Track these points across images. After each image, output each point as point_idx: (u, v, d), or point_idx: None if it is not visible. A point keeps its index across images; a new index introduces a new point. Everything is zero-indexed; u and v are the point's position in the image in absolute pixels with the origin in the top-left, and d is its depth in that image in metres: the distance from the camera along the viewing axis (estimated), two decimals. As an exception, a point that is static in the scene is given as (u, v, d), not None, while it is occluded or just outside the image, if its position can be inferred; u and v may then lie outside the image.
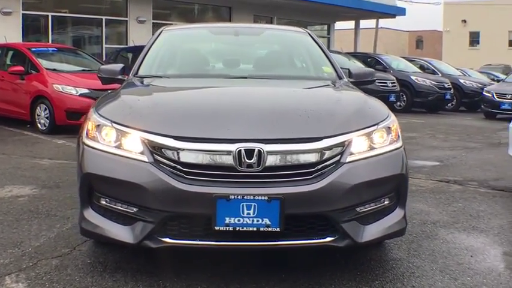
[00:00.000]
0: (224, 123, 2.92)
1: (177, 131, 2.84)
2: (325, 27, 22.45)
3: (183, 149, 2.78)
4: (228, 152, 2.76)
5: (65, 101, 9.07)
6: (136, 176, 2.80)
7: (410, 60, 18.34)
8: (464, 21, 48.21)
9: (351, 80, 4.18)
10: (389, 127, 3.14)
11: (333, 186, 2.79)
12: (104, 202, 2.95)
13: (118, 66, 4.26)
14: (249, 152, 2.75)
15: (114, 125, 2.98)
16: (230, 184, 2.74)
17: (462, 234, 4.03)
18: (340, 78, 4.12)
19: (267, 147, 2.77)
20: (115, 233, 2.90)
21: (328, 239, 2.85)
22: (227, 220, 2.71)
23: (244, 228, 2.73)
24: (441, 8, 50.33)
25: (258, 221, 2.72)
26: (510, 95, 13.45)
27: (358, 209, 2.91)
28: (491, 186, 5.74)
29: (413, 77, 15.69)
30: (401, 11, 21.41)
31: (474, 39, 48.73)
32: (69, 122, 9.02)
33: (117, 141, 2.95)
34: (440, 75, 16.83)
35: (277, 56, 4.66)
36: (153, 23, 16.24)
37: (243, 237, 2.77)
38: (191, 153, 2.78)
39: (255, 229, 2.73)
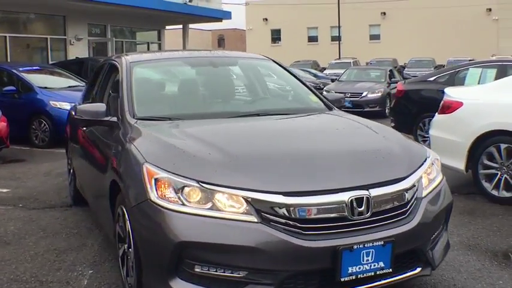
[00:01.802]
0: (321, 173, 2.85)
1: (284, 187, 2.70)
2: (156, 33, 22.18)
3: (295, 205, 2.67)
4: (340, 202, 2.73)
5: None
6: (247, 238, 2.60)
7: None
8: (266, 19, 51.46)
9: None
10: (437, 158, 3.39)
11: (423, 221, 2.94)
12: (198, 270, 2.68)
13: (101, 107, 3.84)
14: (359, 200, 2.76)
15: (203, 185, 2.72)
16: (345, 234, 2.70)
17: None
18: (329, 107, 4.26)
19: (372, 193, 2.81)
20: (220, 301, 2.67)
21: (418, 270, 2.99)
22: (350, 270, 2.68)
23: (364, 275, 2.74)
24: (243, 8, 52.90)
25: (374, 265, 2.74)
26: (349, 93, 14.83)
27: (431, 238, 3.12)
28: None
29: None
30: (228, 15, 22.11)
31: (276, 36, 52.26)
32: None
33: (208, 202, 2.70)
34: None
35: (264, 87, 4.58)
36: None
37: (360, 283, 2.77)
38: (303, 208, 2.69)
39: (372, 274, 2.76)
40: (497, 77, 7.77)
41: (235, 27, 57.83)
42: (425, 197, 3.05)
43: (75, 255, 4.20)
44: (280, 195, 2.67)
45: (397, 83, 16.89)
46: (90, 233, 4.75)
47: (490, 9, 44.80)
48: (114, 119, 3.79)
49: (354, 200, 2.74)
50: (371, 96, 14.95)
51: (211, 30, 62.71)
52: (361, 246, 2.69)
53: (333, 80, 19.58)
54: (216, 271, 2.66)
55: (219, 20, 22.16)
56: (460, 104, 5.66)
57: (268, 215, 2.65)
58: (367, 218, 2.77)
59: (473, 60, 31.32)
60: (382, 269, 2.78)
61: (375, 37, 51.14)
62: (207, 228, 2.64)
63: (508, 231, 4.57)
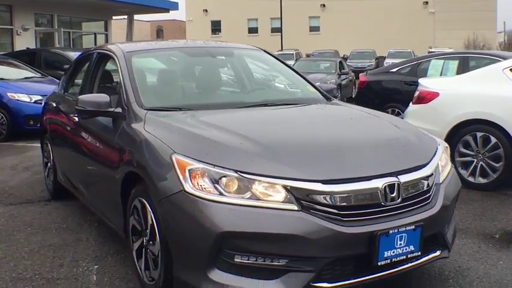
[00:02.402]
0: (354, 161, 2.91)
1: (322, 175, 2.74)
2: (103, 23, 21.60)
3: (333, 192, 2.72)
4: (375, 189, 2.80)
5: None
6: (289, 226, 2.62)
7: None
8: (206, 10, 51.15)
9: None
10: (446, 146, 3.54)
11: (443, 206, 3.07)
12: (238, 260, 2.68)
13: (104, 97, 3.73)
14: (391, 186, 2.85)
15: (242, 174, 2.71)
16: (380, 220, 2.77)
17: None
18: (327, 98, 4.33)
19: (401, 179, 2.90)
20: (261, 290, 2.68)
21: (438, 252, 3.11)
22: (385, 254, 2.76)
23: (397, 259, 2.83)
24: (183, -1, 52.33)
25: (406, 249, 2.83)
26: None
27: (449, 222, 3.26)
28: None
29: None
30: (175, 6, 21.82)
31: (216, 27, 52.03)
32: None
33: (247, 192, 2.70)
34: None
35: (264, 78, 4.58)
36: None
37: (393, 266, 2.86)
38: (341, 195, 2.74)
39: (404, 257, 2.86)
40: (459, 68, 8.14)
41: (174, 18, 57.18)
42: (442, 183, 3.18)
43: (74, 250, 4.08)
44: (319, 183, 2.71)
45: (347, 74, 17.38)
46: (81, 227, 4.61)
47: (426, 2, 46.56)
48: (119, 109, 3.69)
49: (387, 186, 2.82)
50: (323, 87, 15.16)
51: (150, 22, 61.69)
52: (395, 230, 2.77)
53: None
54: (256, 260, 2.67)
55: (166, 10, 21.87)
56: (436, 95, 5.89)
57: (307, 203, 2.69)
58: (398, 204, 2.86)
59: (411, 51, 32.66)
60: (412, 252, 2.87)
61: (314, 29, 51.93)
62: (248, 218, 2.64)
63: (491, 215, 4.81)
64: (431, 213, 2.96)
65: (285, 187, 2.68)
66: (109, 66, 4.54)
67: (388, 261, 2.79)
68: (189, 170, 2.77)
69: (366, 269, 2.78)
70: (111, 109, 3.69)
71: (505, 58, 8.15)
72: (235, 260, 2.67)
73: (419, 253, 2.91)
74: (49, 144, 5.49)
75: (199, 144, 2.97)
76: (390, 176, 2.86)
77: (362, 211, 2.76)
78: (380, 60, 32.23)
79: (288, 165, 2.77)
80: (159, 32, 63.27)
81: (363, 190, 2.78)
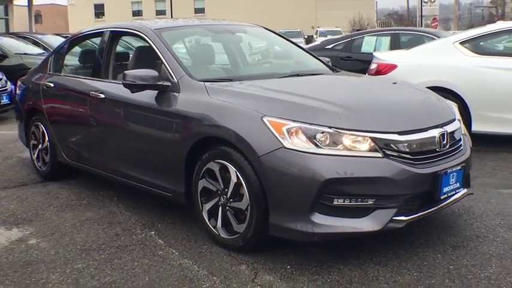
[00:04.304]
0: (413, 116, 3.49)
1: (396, 128, 3.27)
2: (3, 8, 20.22)
3: (407, 141, 3.27)
4: (433, 138, 3.40)
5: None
6: (377, 170, 3.13)
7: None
8: (88, -6, 49.26)
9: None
10: (455, 105, 4.24)
11: (470, 151, 3.77)
12: (336, 202, 3.16)
13: (152, 72, 3.94)
14: (442, 135, 3.46)
15: (336, 130, 3.17)
16: (439, 162, 3.38)
17: None
18: (333, 69, 4.87)
19: (447, 129, 3.52)
20: (355, 227, 3.15)
21: (466, 189, 3.80)
22: (444, 190, 3.38)
23: (450, 194, 3.47)
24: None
25: (455, 185, 3.47)
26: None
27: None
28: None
29: None
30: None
31: (99, 11, 50.33)
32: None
33: (339, 144, 3.17)
34: None
35: (281, 51, 4.98)
36: None
37: (446, 199, 3.48)
38: (412, 143, 3.29)
39: (454, 192, 3.50)
40: (391, 44, 9.06)
41: (53, 2, 54.28)
42: (464, 133, 3.87)
43: (116, 221, 4.24)
44: (396, 134, 3.25)
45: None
46: (103, 202, 4.74)
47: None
48: (167, 83, 3.93)
49: (440, 135, 3.44)
50: None
51: (26, 7, 57.87)
52: (450, 170, 3.40)
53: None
54: (350, 201, 3.16)
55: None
56: (394, 66, 6.65)
57: (388, 151, 3.21)
58: (447, 150, 3.49)
59: (301, 31, 34.25)
60: (458, 188, 3.53)
61: (199, 10, 52.14)
62: (345, 165, 3.12)
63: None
64: (466, 156, 3.64)
65: (371, 138, 3.19)
66: (139, 43, 4.67)
67: (446, 195, 3.42)
68: (286, 129, 3.18)
69: (429, 203, 3.38)
70: (160, 82, 3.92)
71: (428, 33, 9.23)
72: (334, 202, 3.14)
73: (463, 188, 3.58)
74: (41, 126, 5.46)
75: (283, 107, 3.37)
76: (440, 127, 3.48)
77: (426, 155, 3.35)
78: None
79: (370, 122, 3.28)
80: (38, 17, 59.51)
81: (425, 139, 3.36)
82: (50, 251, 3.70)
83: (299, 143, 3.16)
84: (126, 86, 3.96)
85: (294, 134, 3.17)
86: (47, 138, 5.41)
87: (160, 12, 51.03)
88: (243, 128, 3.35)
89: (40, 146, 5.55)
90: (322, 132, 3.16)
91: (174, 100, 3.85)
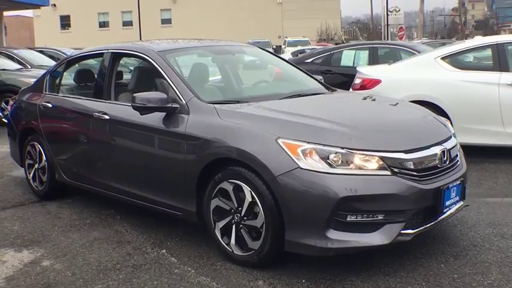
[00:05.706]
0: (414, 135, 3.71)
1: (402, 147, 3.48)
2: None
3: (411, 159, 3.48)
4: (435, 155, 3.62)
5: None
6: (387, 187, 3.33)
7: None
8: (54, 5, 48.55)
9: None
10: (448, 121, 4.49)
11: (466, 166, 4.02)
12: (349, 219, 3.33)
13: (161, 94, 4.06)
14: (443, 152, 3.69)
15: (348, 150, 3.36)
16: (440, 178, 3.60)
17: None
18: (328, 88, 5.06)
19: (446, 146, 3.75)
20: (366, 241, 3.34)
21: (462, 202, 4.03)
22: (447, 203, 3.61)
23: (451, 206, 3.70)
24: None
25: (455, 199, 3.72)
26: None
27: None
28: None
29: None
30: (46, 2, 20.96)
31: (65, 22, 49.77)
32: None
33: (350, 164, 3.35)
34: None
35: (281, 72, 5.15)
36: None
37: (447, 211, 3.69)
38: (417, 161, 3.50)
39: (453, 205, 3.73)
40: (369, 57, 9.37)
41: (18, 14, 53.31)
42: (459, 150, 4.12)
43: (124, 240, 4.33)
44: (402, 153, 3.46)
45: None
46: (106, 221, 4.81)
47: (274, -7, 49.34)
48: (176, 105, 4.06)
49: (441, 152, 3.67)
50: None
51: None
52: (451, 185, 3.63)
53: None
54: (362, 217, 3.35)
55: (37, 6, 20.89)
56: (378, 81, 6.92)
57: (395, 169, 3.42)
58: (447, 165, 3.72)
59: (269, 41, 34.63)
60: (457, 201, 3.77)
61: (166, 21, 52.11)
62: (357, 184, 3.31)
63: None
64: (463, 171, 3.88)
65: (380, 158, 3.39)
66: (141, 64, 4.80)
67: (447, 209, 3.65)
68: (302, 151, 3.35)
69: (432, 216, 3.60)
70: (169, 105, 4.04)
71: (405, 47, 9.57)
72: (347, 219, 3.32)
73: (461, 201, 3.82)
74: (38, 145, 5.50)
75: (296, 128, 3.54)
76: (440, 144, 3.71)
77: (429, 172, 3.57)
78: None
79: (377, 142, 3.48)
80: (4, 29, 58.53)
81: (429, 156, 3.59)
82: (66, 273, 3.77)
83: (313, 163, 3.33)
84: (135, 108, 4.07)
85: (308, 155, 3.35)
86: (44, 158, 5.45)
87: (127, 23, 50.76)
88: (257, 149, 3.50)
89: (36, 165, 5.58)
90: (336, 153, 3.35)
91: (182, 122, 3.98)
